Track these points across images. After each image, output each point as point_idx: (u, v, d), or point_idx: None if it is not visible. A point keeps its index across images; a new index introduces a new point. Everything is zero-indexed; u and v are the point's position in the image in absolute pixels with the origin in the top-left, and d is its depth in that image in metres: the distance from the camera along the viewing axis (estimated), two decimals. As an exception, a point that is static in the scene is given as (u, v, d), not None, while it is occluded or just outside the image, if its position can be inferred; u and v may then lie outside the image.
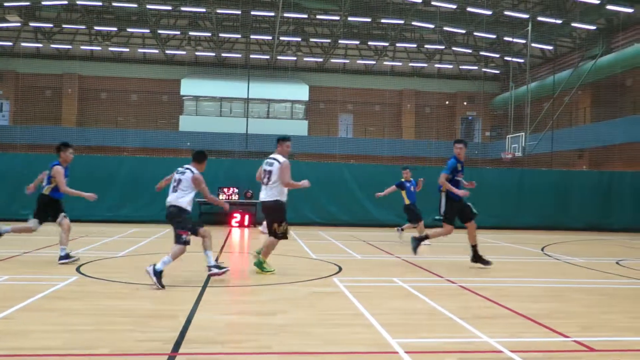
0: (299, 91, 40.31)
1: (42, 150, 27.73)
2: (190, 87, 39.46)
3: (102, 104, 38.91)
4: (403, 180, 13.39)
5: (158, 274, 6.85)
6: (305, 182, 8.23)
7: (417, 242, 9.89)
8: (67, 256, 8.75)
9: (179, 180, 7.37)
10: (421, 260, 10.27)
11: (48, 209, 8.87)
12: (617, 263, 10.55)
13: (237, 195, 17.76)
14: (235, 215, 17.32)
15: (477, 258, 9.44)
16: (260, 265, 8.28)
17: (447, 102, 42.25)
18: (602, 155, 29.70)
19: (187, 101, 39.76)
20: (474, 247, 9.47)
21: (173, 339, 4.64)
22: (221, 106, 39.85)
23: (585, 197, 19.28)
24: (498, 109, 40.45)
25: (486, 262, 9.37)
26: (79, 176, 17.59)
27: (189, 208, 7.36)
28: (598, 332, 5.24)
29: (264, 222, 15.50)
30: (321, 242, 13.32)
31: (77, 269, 8.16)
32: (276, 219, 8.15)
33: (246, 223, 17.34)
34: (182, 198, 7.30)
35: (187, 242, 7.20)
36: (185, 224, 7.27)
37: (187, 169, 7.45)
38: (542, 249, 12.71)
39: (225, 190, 17.73)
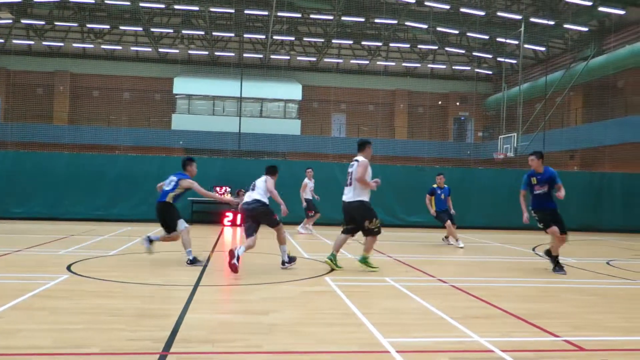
0: (292, 90, 40.30)
1: (33, 148, 27.55)
2: (183, 85, 39.35)
3: (94, 102, 38.72)
4: (435, 186, 13.12)
5: (291, 259, 8.81)
6: (373, 184, 8.56)
7: (553, 261, 9.25)
8: (195, 260, 8.81)
9: (255, 184, 8.93)
10: (413, 260, 10.29)
11: (171, 215, 9.00)
12: (607, 263, 10.61)
13: (229, 195, 17.72)
14: (227, 214, 17.28)
15: (553, 260, 9.23)
16: (365, 261, 8.73)
17: (439, 102, 42.37)
18: (593, 156, 29.88)
19: (180, 100, 39.64)
20: (555, 257, 9.22)
21: (164, 338, 4.62)
22: (214, 105, 39.76)
23: (576, 197, 19.36)
24: (490, 110, 40.61)
25: (559, 266, 9.17)
26: (70, 174, 17.59)
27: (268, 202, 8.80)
28: (588, 332, 5.27)
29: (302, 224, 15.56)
30: (313, 242, 13.33)
31: (68, 268, 8.11)
32: (367, 217, 8.49)
33: (238, 222, 17.29)
34: (262, 196, 8.72)
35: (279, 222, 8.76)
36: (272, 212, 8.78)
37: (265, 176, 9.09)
38: (534, 249, 12.76)
39: (218, 189, 17.69)
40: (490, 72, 41.66)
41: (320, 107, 41.25)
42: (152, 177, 17.80)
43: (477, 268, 9.64)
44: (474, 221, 18.57)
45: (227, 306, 6.24)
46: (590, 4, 26.67)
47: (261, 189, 8.73)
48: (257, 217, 8.61)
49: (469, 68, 41.46)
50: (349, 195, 8.53)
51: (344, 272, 8.47)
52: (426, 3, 29.74)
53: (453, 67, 41.22)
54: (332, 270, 8.61)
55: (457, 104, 42.59)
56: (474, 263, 10.43)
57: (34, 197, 17.25)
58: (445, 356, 4.40)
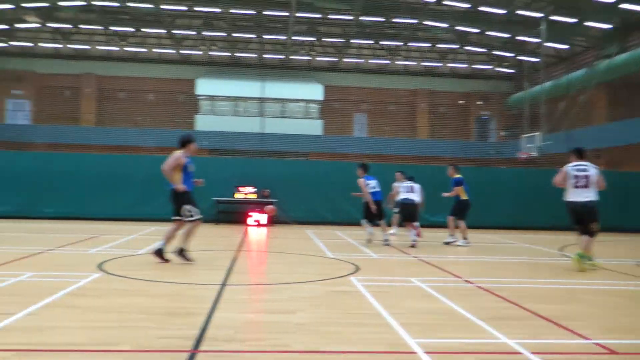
0: (313, 91, 40.37)
1: (62, 149, 28.03)
2: (205, 86, 39.69)
3: (119, 104, 39.27)
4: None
5: (415, 242, 11.96)
6: None
7: None
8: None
9: (412, 187, 12.36)
10: (438, 260, 10.26)
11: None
12: (637, 265, 10.46)
13: (254, 194, 17.81)
14: (251, 214, 17.38)
15: None
16: (584, 258, 9.28)
17: (461, 102, 42.06)
18: (619, 155, 29.37)
19: (203, 101, 39.99)
20: None
21: (193, 336, 4.70)
22: (236, 106, 40.03)
23: (602, 197, 19.04)
24: (513, 109, 40.17)
25: None
26: (98, 174, 17.87)
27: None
28: (619, 335, 5.20)
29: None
30: (338, 241, 13.35)
31: (99, 267, 8.27)
32: (596, 219, 9.32)
33: (263, 222, 17.37)
34: (417, 197, 12.51)
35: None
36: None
37: (412, 181, 12.74)
38: (561, 250, 12.63)
39: (242, 189, 17.80)
40: (511, 71, 41.22)
41: (342, 107, 41.24)
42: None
43: (502, 268, 9.59)
44: (497, 221, 18.40)
45: (254, 305, 6.31)
46: (612, 1, 26.26)
47: (419, 193, 12.41)
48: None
49: (489, 67, 41.08)
50: (586, 196, 9.33)
51: (369, 272, 8.49)
52: (445, 2, 29.57)
53: (473, 67, 40.89)
54: (358, 269, 8.62)
55: (479, 103, 42.22)
56: (499, 263, 10.36)
57: (63, 197, 17.53)
58: (472, 357, 4.39)
